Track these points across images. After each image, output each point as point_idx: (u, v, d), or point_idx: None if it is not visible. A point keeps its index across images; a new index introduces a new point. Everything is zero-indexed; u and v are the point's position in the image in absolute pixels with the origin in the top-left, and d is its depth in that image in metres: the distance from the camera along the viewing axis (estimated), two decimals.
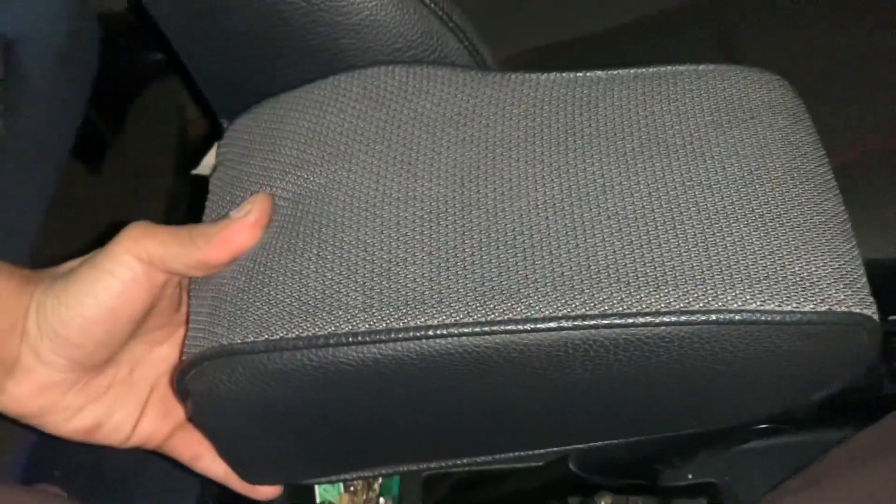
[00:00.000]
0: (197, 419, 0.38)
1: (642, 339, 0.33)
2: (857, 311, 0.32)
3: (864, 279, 0.33)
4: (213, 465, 0.41)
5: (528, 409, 0.37)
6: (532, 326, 0.32)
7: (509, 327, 0.32)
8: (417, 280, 0.34)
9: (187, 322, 0.37)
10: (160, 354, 0.40)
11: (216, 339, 0.34)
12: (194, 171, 0.43)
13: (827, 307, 0.32)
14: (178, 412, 0.40)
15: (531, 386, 0.35)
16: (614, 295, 0.33)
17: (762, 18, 0.62)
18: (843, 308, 0.32)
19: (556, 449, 0.44)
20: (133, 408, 0.39)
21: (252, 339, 0.33)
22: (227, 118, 0.42)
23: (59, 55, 0.65)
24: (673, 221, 0.34)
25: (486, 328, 0.32)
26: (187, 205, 0.74)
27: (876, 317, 0.33)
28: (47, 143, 0.63)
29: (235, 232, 0.36)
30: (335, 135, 0.38)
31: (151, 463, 0.54)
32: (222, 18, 0.41)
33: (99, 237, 0.37)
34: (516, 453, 0.42)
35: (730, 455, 0.40)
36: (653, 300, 0.32)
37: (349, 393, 0.35)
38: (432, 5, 0.40)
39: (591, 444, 0.41)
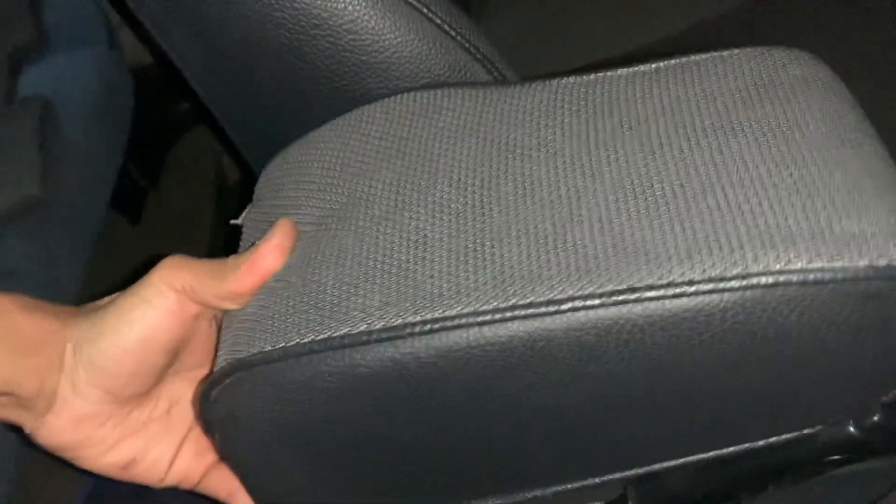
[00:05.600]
0: (223, 450, 0.37)
1: (678, 315, 0.30)
2: None
3: None
4: (249, 500, 0.40)
5: (567, 418, 0.35)
6: (556, 308, 0.30)
7: (530, 311, 0.31)
8: (435, 276, 0.33)
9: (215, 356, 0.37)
10: None
11: (233, 356, 0.34)
12: (234, 222, 0.43)
13: (886, 261, 0.29)
14: (213, 450, 0.40)
15: (565, 385, 0.33)
16: (643, 268, 0.31)
17: (806, 33, 0.61)
18: None
19: (606, 478, 0.40)
20: (169, 446, 0.39)
21: (269, 348, 0.33)
22: (256, 163, 0.42)
23: (95, 111, 0.66)
24: (704, 194, 0.32)
25: (506, 314, 0.31)
26: (227, 252, 0.74)
27: None
28: (86, 198, 0.64)
29: (260, 257, 0.36)
30: (357, 156, 0.38)
31: None
32: (248, 68, 0.41)
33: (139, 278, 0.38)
34: (563, 486, 0.39)
35: (802, 490, 0.38)
36: (685, 269, 0.30)
37: (371, 403, 0.34)
38: (458, 38, 0.39)
39: (647, 467, 0.38)
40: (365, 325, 0.32)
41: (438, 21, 0.40)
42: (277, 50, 0.39)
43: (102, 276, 0.67)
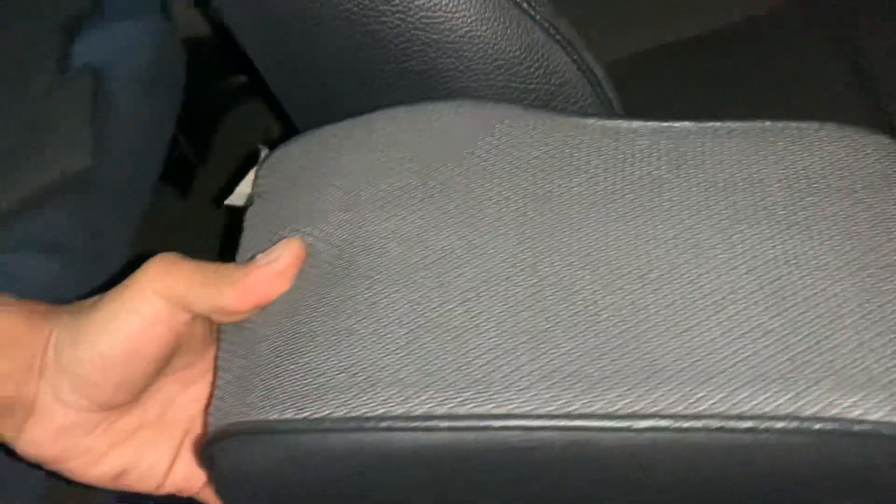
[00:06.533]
0: (222, 493, 0.35)
1: (743, 446, 0.28)
2: None
3: None
4: None
5: None
6: (618, 424, 0.28)
7: (591, 423, 0.28)
8: (483, 356, 0.30)
9: (215, 374, 0.35)
10: (194, 394, 0.38)
11: (248, 410, 0.31)
12: (227, 202, 0.41)
13: None
14: None
15: (604, 482, 0.30)
16: (713, 392, 0.28)
17: (885, 15, 0.57)
18: None
19: None
20: (165, 451, 0.37)
21: (291, 415, 0.30)
22: None
23: (147, 82, 0.65)
24: (778, 307, 0.29)
25: (563, 422, 0.28)
26: None
27: None
28: (137, 171, 0.64)
29: (259, 280, 0.33)
30: (390, 178, 0.34)
31: None
32: (311, 43, 0.39)
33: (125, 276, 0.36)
34: None
35: None
36: (759, 401, 0.28)
37: (398, 480, 0.31)
38: (537, 17, 0.37)
39: None
40: (403, 409, 0.29)
41: None
42: (343, 25, 0.37)
43: (151, 250, 0.66)
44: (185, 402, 0.38)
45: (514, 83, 0.37)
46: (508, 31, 0.37)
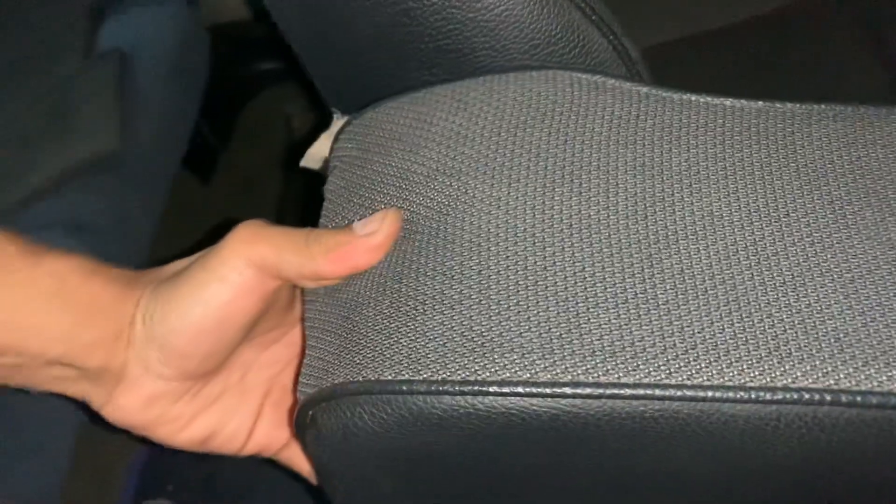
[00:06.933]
0: (317, 457, 0.34)
1: (867, 422, 0.28)
2: None
3: None
4: None
5: (710, 484, 0.32)
6: (746, 395, 0.28)
7: (719, 394, 0.28)
8: (603, 326, 0.29)
9: (305, 337, 0.35)
10: (273, 356, 0.38)
11: (357, 369, 0.31)
12: (302, 164, 0.41)
13: None
14: None
15: (720, 455, 0.30)
16: (840, 368, 0.28)
17: None
18: None
19: None
20: (247, 414, 0.37)
21: (408, 376, 0.29)
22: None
23: (172, 67, 0.65)
24: None
25: (692, 392, 0.28)
26: (297, 213, 0.74)
27: None
28: (161, 154, 0.64)
29: (357, 252, 0.33)
30: (490, 142, 0.33)
31: (264, 477, 0.53)
32: (348, 18, 0.39)
33: (209, 246, 0.36)
34: None
35: None
36: (884, 378, 0.28)
37: (513, 446, 0.31)
38: None
39: None
40: (527, 374, 0.29)
41: None
42: (381, 1, 0.37)
43: (172, 234, 0.67)
44: (263, 365, 0.38)
45: (549, 63, 0.37)
46: (545, 10, 0.37)
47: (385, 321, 0.31)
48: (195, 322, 0.33)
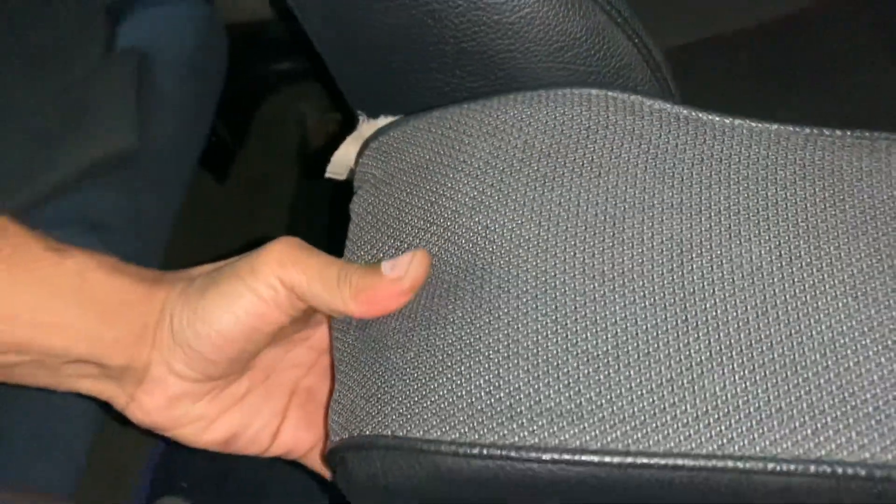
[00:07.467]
0: (348, 493, 0.34)
1: None
2: None
3: None
4: None
5: None
6: (777, 468, 0.27)
7: (749, 465, 0.27)
8: (634, 389, 0.28)
9: (334, 369, 0.35)
10: (297, 358, 0.39)
11: (387, 424, 0.30)
12: (328, 174, 0.41)
13: None
14: (321, 422, 0.38)
15: None
16: (877, 441, 0.27)
17: None
18: None
19: None
20: (272, 415, 0.37)
21: (436, 436, 0.29)
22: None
23: (190, 66, 0.65)
24: None
25: (722, 463, 0.27)
26: (311, 213, 0.74)
27: None
28: (178, 153, 0.64)
29: (384, 296, 0.33)
30: (520, 175, 0.32)
31: (278, 475, 0.53)
32: (373, 19, 0.39)
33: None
34: None
35: None
36: None
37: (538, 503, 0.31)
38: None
39: None
40: (556, 441, 0.28)
41: None
42: (405, 2, 0.37)
43: (187, 233, 0.67)
44: (287, 367, 0.38)
45: (573, 66, 0.37)
46: (570, 13, 0.36)
47: (414, 371, 0.31)
48: (223, 331, 0.33)
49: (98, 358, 0.33)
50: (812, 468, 0.27)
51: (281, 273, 0.33)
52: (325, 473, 0.39)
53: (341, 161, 0.39)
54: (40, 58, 0.63)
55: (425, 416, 0.30)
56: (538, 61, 0.37)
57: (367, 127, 0.39)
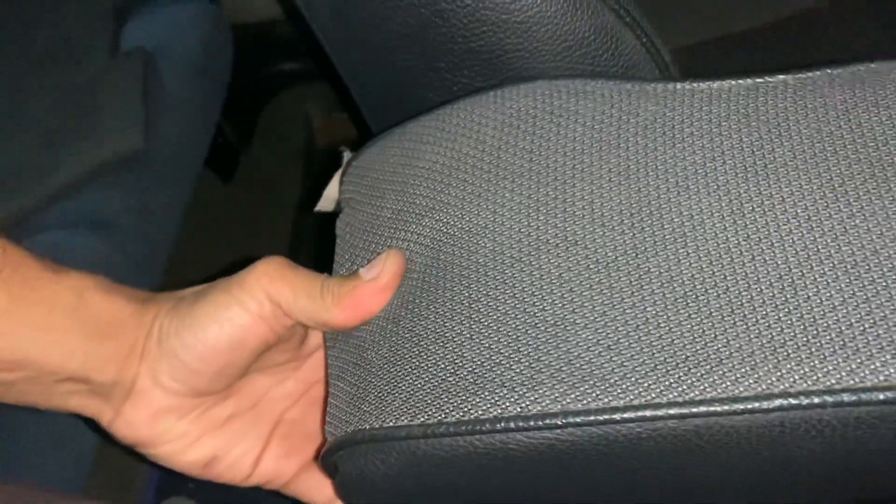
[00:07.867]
0: (345, 498, 0.35)
1: (879, 417, 0.26)
2: None
3: None
4: None
5: (725, 488, 0.32)
6: (742, 407, 0.26)
7: (712, 408, 0.27)
8: (591, 349, 0.28)
9: (327, 382, 0.35)
10: (286, 390, 0.39)
11: (364, 419, 0.31)
12: (318, 208, 0.41)
13: None
14: (305, 451, 0.38)
15: (732, 464, 0.29)
16: (841, 365, 0.26)
17: None
18: None
19: None
20: (254, 442, 0.37)
21: (406, 422, 0.30)
22: (378, 128, 0.39)
23: (196, 67, 0.65)
24: None
25: (684, 410, 0.27)
26: (316, 215, 0.74)
27: None
28: (184, 153, 0.64)
29: (364, 297, 0.34)
30: (474, 170, 0.33)
31: None
32: (382, 18, 0.39)
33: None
34: None
35: None
36: (892, 371, 0.26)
37: (514, 480, 0.31)
38: None
39: None
40: (517, 409, 0.28)
41: None
42: (414, 1, 0.37)
43: (194, 233, 0.67)
44: (276, 397, 0.39)
45: (581, 65, 0.37)
46: (578, 12, 0.36)
47: (386, 366, 0.32)
48: (208, 340, 0.34)
49: (88, 373, 0.34)
50: (776, 402, 0.27)
51: (269, 287, 0.34)
52: (313, 499, 0.39)
53: (330, 196, 0.40)
54: (47, 59, 0.63)
55: (396, 405, 0.30)
56: (546, 60, 0.38)
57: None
